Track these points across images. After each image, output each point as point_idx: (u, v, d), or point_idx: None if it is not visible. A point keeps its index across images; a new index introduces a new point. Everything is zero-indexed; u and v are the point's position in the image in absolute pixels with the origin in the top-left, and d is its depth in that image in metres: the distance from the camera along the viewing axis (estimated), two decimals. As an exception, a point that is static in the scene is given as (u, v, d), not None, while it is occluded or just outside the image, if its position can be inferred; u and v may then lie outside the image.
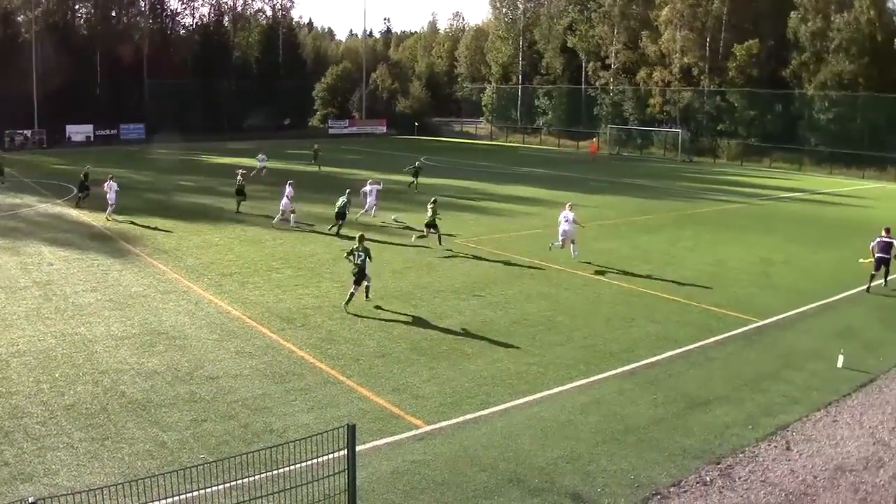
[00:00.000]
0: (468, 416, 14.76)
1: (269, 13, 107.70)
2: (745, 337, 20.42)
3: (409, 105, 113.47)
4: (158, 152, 72.97)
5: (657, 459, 13.20)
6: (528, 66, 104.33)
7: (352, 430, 9.77)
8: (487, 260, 28.94)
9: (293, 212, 34.50)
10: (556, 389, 16.26)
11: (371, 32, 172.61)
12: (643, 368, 17.76)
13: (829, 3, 73.53)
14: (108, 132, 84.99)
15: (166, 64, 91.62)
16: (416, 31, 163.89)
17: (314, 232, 33.37)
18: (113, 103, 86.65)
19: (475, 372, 17.15)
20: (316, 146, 63.37)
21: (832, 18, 72.73)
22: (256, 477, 10.93)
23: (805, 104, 75.85)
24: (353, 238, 31.27)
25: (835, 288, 25.74)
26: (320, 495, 10.24)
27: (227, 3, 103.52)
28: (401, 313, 21.57)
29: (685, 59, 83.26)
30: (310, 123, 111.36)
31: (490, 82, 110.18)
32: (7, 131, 77.12)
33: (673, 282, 26.21)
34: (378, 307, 21.97)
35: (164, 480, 10.35)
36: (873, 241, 25.94)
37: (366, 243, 22.22)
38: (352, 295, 21.80)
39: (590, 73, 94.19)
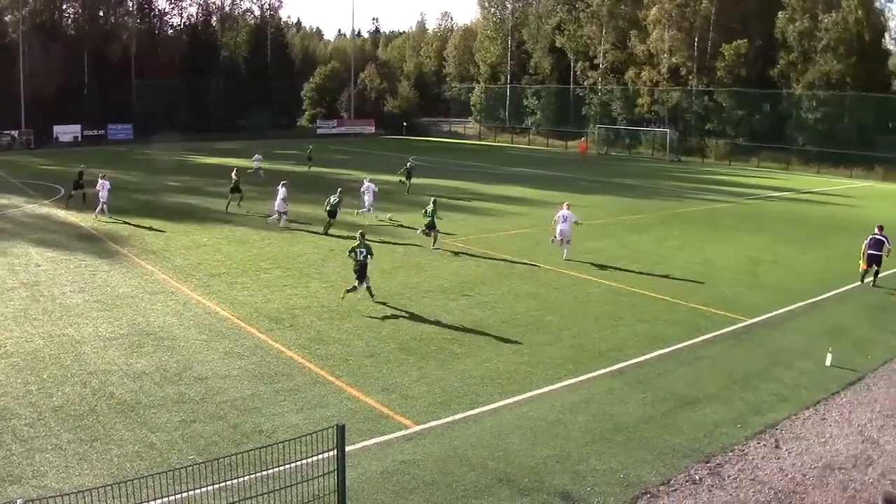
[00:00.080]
0: (458, 416, 14.75)
1: (257, 13, 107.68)
2: (734, 336, 20.48)
3: (398, 105, 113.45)
4: (146, 152, 72.82)
5: (646, 458, 13.22)
6: (516, 65, 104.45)
7: (341, 430, 9.76)
8: (476, 260, 28.95)
9: (284, 213, 34.50)
10: (545, 389, 16.27)
11: (359, 32, 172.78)
12: (632, 367, 17.78)
13: (817, 2, 73.89)
14: (95, 132, 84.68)
15: (154, 64, 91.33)
16: (404, 31, 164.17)
17: (303, 231, 33.31)
18: (100, 103, 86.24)
19: (464, 372, 17.15)
20: (311, 147, 63.44)
21: (820, 18, 73.06)
22: (246, 478, 10.90)
23: (793, 104, 76.17)
24: (341, 237, 31.56)
25: (823, 287, 25.84)
26: (310, 496, 10.23)
27: (214, 3, 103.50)
28: (390, 313, 21.55)
29: (673, 59, 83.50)
30: (298, 123, 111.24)
31: (478, 82, 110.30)
32: (-6, 132, 76.76)
33: (661, 280, 26.28)
34: (367, 307, 21.96)
35: (154, 482, 10.31)
36: (866, 239, 26.10)
37: (366, 240, 22.60)
38: (354, 288, 22.22)
39: (578, 72, 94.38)
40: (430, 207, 30.42)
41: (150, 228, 33.70)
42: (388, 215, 37.19)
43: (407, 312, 21.67)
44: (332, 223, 33.08)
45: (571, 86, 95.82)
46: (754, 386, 16.75)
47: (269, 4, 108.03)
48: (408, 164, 48.62)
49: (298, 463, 10.40)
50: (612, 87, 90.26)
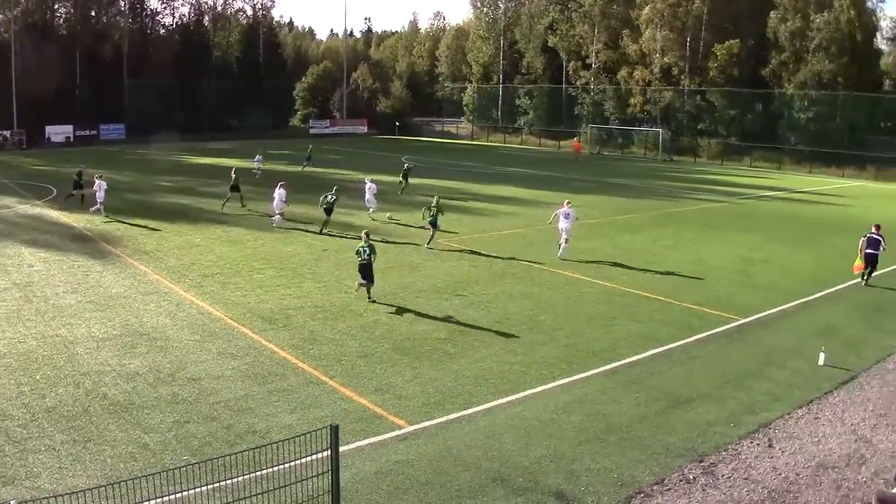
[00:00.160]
0: (451, 416, 14.75)
1: (249, 13, 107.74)
2: (727, 335, 20.52)
3: (390, 105, 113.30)
4: (138, 152, 72.65)
5: (640, 458, 13.24)
6: (508, 65, 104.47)
7: (335, 430, 9.75)
8: (470, 260, 28.95)
9: (281, 214, 34.53)
10: (538, 388, 16.29)
11: (352, 32, 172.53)
12: (625, 367, 17.81)
13: (809, 2, 74.11)
14: (87, 132, 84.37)
15: (146, 64, 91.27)
16: (396, 31, 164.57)
17: (297, 231, 33.28)
18: (93, 103, 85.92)
19: (458, 371, 17.15)
20: (311, 146, 63.57)
21: (812, 18, 73.28)
22: (240, 478, 10.89)
23: (785, 103, 76.41)
24: (335, 237, 31.58)
25: (815, 286, 25.92)
26: (304, 496, 10.22)
27: (206, 3, 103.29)
28: (383, 313, 21.54)
29: (666, 59, 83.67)
30: (290, 123, 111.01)
31: (471, 82, 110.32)
32: (-14, 132, 76.52)
33: (654, 280, 26.32)
34: (361, 307, 21.97)
35: (147, 482, 10.31)
36: (863, 238, 26.19)
37: (370, 240, 22.97)
38: (360, 285, 22.72)
39: (571, 72, 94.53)
40: (433, 205, 30.64)
41: (144, 227, 33.67)
42: (388, 214, 37.33)
43: (400, 312, 21.67)
44: (328, 221, 33.21)
45: (564, 85, 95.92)
46: (747, 385, 16.78)
47: (262, 4, 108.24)
48: (406, 165, 48.71)
49: (292, 463, 10.37)
50: (605, 86, 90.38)
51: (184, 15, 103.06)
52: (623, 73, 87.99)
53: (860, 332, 21.19)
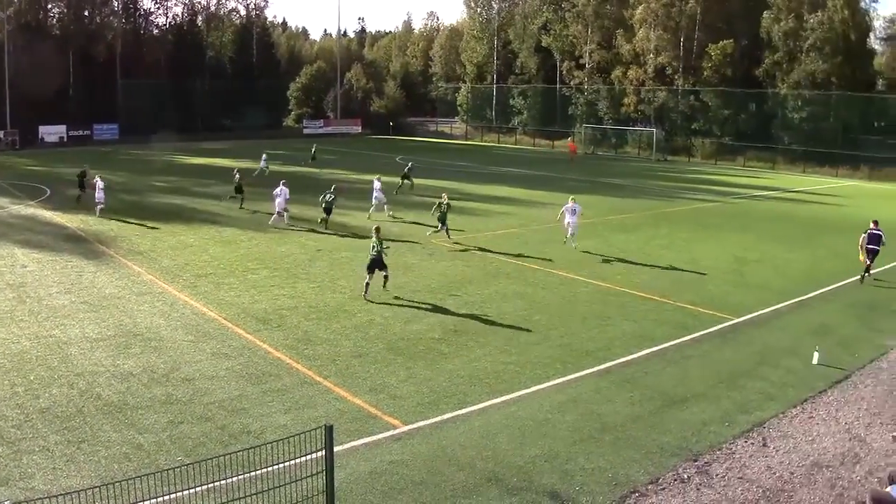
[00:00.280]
0: (446, 416, 14.75)
1: (242, 13, 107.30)
2: (721, 335, 20.55)
3: (384, 105, 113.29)
4: (132, 153, 72.48)
5: (634, 457, 13.25)
6: (502, 65, 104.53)
7: (329, 430, 9.75)
8: (464, 260, 28.95)
9: (280, 213, 34.56)
10: (533, 388, 16.29)
11: (345, 32, 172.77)
12: (620, 367, 17.82)
13: (802, 2, 74.26)
14: (81, 133, 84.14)
15: (140, 64, 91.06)
16: (390, 31, 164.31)
17: (291, 231, 33.25)
18: (86, 103, 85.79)
19: (452, 371, 17.15)
20: (315, 146, 63.65)
21: (805, 18, 73.40)
22: (234, 479, 10.85)
23: (778, 103, 76.49)
24: (330, 235, 31.55)
25: (809, 285, 25.97)
26: (299, 496, 10.20)
27: (200, 3, 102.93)
28: (377, 313, 21.52)
29: (659, 59, 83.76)
30: (284, 123, 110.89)
31: (465, 82, 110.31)
32: (-21, 133, 76.31)
33: (648, 280, 26.34)
34: (355, 308, 21.95)
35: (141, 483, 10.29)
36: (864, 234, 26.29)
37: (380, 236, 23.29)
38: (385, 277, 23.19)
39: (564, 72, 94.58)
40: (443, 206, 31.19)
41: (139, 227, 33.65)
42: (389, 213, 37.41)
43: (395, 313, 21.65)
44: (328, 219, 33.62)
45: (558, 85, 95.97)
46: (741, 384, 16.81)
47: (255, 4, 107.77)
48: (407, 166, 48.78)
49: (287, 464, 10.35)
50: (599, 86, 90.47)
51: (177, 15, 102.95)
52: (617, 72, 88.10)
53: (854, 331, 21.24)
